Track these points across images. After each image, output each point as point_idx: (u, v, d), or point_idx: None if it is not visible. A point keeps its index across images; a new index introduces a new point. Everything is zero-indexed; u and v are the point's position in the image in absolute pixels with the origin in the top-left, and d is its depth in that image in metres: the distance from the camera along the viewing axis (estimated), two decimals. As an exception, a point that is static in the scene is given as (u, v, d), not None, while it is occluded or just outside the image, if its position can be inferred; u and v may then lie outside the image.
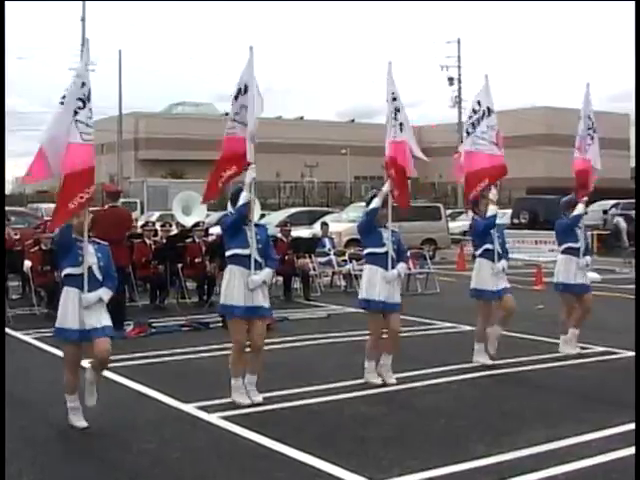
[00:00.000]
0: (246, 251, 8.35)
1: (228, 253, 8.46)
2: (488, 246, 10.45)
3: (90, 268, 7.49)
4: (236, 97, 8.54)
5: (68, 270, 7.51)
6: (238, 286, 8.30)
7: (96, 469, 6.57)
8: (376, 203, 9.32)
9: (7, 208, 28.29)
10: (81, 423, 7.54)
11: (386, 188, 9.45)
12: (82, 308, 7.39)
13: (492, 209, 10.43)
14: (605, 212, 32.15)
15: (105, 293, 7.56)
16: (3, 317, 13.00)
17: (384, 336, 9.48)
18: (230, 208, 8.49)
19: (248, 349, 8.49)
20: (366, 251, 9.53)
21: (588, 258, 11.26)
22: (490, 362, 10.31)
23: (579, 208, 11.15)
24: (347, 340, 11.91)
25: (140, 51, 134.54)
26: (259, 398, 8.39)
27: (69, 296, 7.47)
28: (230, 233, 8.49)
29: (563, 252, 11.27)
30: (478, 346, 10.44)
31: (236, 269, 8.36)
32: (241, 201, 8.31)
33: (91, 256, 7.53)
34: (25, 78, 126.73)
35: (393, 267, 9.31)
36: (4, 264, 14.08)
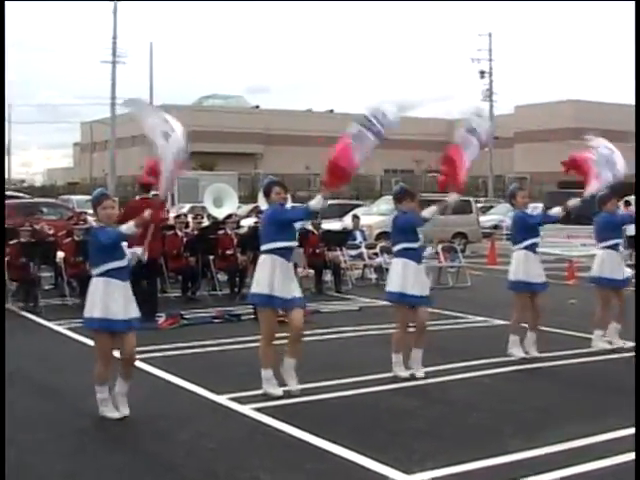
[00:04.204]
0: (291, 243, 8.48)
1: (272, 245, 8.33)
2: (534, 240, 10.44)
3: None
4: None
5: (116, 264, 7.48)
6: (273, 276, 8.28)
7: (130, 459, 6.61)
8: (433, 212, 9.22)
9: (39, 200, 28.67)
10: (113, 414, 7.56)
11: (452, 198, 9.55)
12: (123, 297, 7.50)
13: (539, 206, 10.42)
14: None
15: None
16: (3, 301, 13.37)
17: (410, 330, 9.48)
18: (262, 200, 8.47)
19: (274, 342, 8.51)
20: (400, 246, 9.38)
21: (626, 252, 11.14)
22: (523, 355, 10.26)
23: (632, 209, 11.17)
24: (379, 333, 11.86)
25: (171, 44, 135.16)
26: (297, 387, 8.37)
27: (110, 287, 7.45)
28: (284, 228, 8.44)
29: (604, 247, 11.19)
30: (513, 338, 10.38)
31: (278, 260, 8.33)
32: (313, 206, 8.30)
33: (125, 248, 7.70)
34: (57, 71, 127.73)
35: (420, 261, 9.51)
36: (4, 251, 14.22)
